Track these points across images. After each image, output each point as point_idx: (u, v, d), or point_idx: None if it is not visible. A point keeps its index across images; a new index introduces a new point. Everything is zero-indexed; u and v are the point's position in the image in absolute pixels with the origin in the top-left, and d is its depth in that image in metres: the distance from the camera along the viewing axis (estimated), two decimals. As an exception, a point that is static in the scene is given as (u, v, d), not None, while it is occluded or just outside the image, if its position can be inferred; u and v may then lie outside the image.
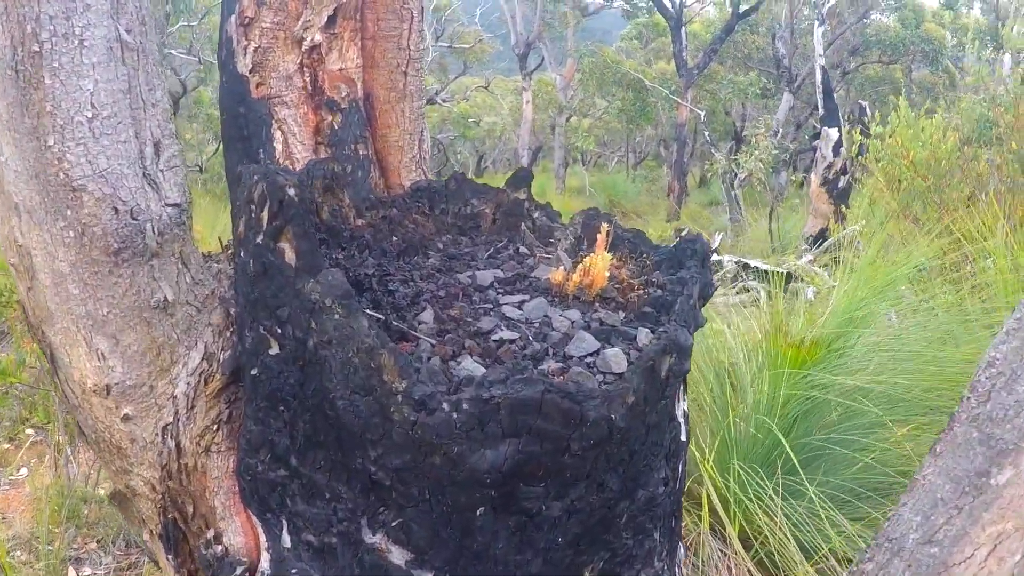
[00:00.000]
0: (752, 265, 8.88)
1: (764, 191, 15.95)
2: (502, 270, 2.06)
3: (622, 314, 1.86)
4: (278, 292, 1.61)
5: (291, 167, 2.24)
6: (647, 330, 1.75)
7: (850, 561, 2.98)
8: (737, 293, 8.00)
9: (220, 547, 2.09)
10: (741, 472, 3.30)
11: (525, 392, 1.42)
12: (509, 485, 1.52)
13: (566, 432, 1.48)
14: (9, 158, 1.79)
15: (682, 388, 1.97)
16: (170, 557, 2.20)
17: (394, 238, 2.11)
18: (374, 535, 1.67)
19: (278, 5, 2.27)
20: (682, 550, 2.16)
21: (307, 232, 1.54)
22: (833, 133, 11.86)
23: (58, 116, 1.76)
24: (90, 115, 1.79)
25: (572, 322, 1.80)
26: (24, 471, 4.75)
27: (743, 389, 3.88)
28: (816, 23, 14.39)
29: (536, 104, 24.78)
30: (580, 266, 1.89)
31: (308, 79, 2.35)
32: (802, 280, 7.85)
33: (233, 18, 2.30)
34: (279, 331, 1.66)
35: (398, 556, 1.65)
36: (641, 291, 1.91)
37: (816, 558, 3.00)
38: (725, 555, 3.22)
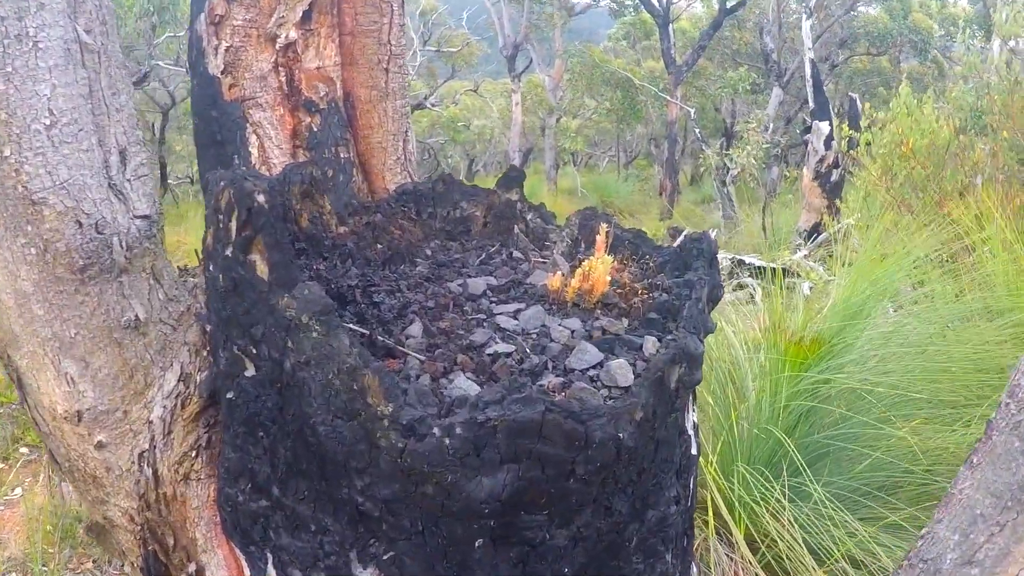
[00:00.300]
0: (747, 262, 8.78)
1: (756, 187, 15.89)
2: (495, 277, 1.92)
3: (625, 321, 1.73)
4: (251, 309, 1.47)
5: (268, 173, 2.10)
6: (653, 338, 1.62)
7: (861, 564, 2.87)
8: (732, 290, 7.90)
9: (202, 582, 1.96)
10: (746, 474, 3.18)
11: (524, 413, 1.29)
12: (509, 514, 1.38)
13: (570, 455, 1.34)
14: (-38, 171, 1.67)
15: (691, 398, 1.84)
16: (151, 591, 2.07)
17: (379, 246, 1.97)
18: (364, 569, 1.53)
19: (250, 1, 2.14)
20: (695, 570, 2.03)
21: (280, 242, 1.41)
22: (824, 127, 11.80)
23: (13, 124, 1.63)
24: (48, 122, 1.67)
25: (572, 332, 1.67)
26: (18, 491, 4.64)
27: (744, 389, 3.77)
28: (804, 16, 14.31)
29: (525, 106, 24.68)
30: (579, 270, 1.76)
31: (284, 79, 2.21)
32: (797, 275, 7.77)
33: (203, 16, 2.17)
34: (254, 351, 1.53)
35: (390, 593, 1.51)
36: (645, 296, 1.77)
37: (828, 563, 2.89)
38: (732, 560, 3.11)
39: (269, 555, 1.71)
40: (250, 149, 2.18)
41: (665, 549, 1.75)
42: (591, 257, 1.79)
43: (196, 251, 2.30)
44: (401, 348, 1.58)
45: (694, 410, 1.88)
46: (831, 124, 11.66)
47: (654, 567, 1.71)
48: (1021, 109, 7.25)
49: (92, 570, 3.87)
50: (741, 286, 8.15)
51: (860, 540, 2.88)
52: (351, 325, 1.65)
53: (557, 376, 1.52)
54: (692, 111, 18.56)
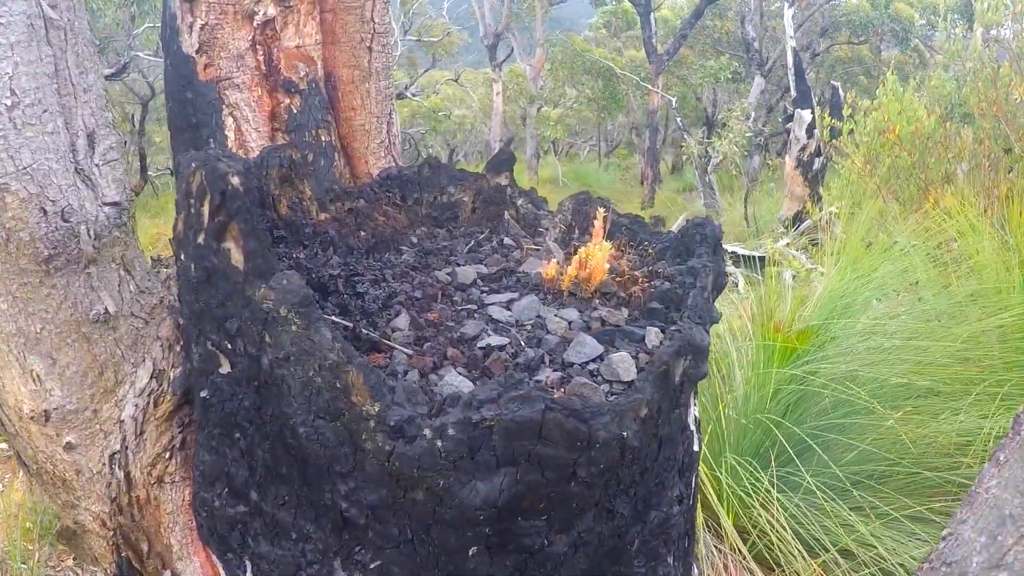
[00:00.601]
0: (729, 250, 8.72)
1: (738, 175, 15.90)
2: (485, 265, 1.82)
3: (625, 311, 1.63)
4: (225, 301, 1.36)
5: (245, 156, 1.99)
6: (656, 329, 1.52)
7: (851, 554, 2.84)
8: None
9: (178, 590, 1.86)
10: (735, 464, 3.17)
11: (522, 412, 1.19)
12: (506, 520, 1.28)
13: (572, 457, 1.24)
14: (-83, 156, 1.56)
15: (693, 392, 1.74)
16: (125, 600, 1.97)
17: (362, 233, 1.87)
18: (349, 578, 1.43)
19: (224, -25, 2.02)
20: (696, 571, 1.93)
21: (255, 229, 1.30)
22: (806, 115, 11.80)
23: (-29, 105, 1.53)
24: (9, 103, 1.57)
25: (569, 323, 1.56)
26: (-2, 486, 4.54)
27: (731, 378, 3.75)
28: (786, 5, 14.22)
29: (506, 95, 24.62)
30: (576, 257, 1.65)
31: (262, 58, 2.10)
32: (780, 264, 7.74)
33: (176, -8, 2.05)
34: (229, 347, 1.42)
35: (378, 604, 1.41)
36: (645, 284, 1.67)
37: (821, 554, 2.87)
38: (721, 551, 3.05)
39: (248, 563, 1.60)
40: (226, 132, 2.06)
41: (667, 551, 1.66)
42: (587, 243, 1.69)
43: (170, 240, 2.19)
44: (387, 342, 1.48)
45: (695, 404, 1.78)
46: (813, 112, 11.66)
47: (655, 570, 1.61)
48: (1004, 97, 7.25)
49: (72, 567, 3.79)
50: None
51: (850, 530, 2.85)
52: (333, 317, 1.55)
53: (555, 371, 1.42)
54: (673, 100, 18.51)
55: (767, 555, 2.98)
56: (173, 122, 2.16)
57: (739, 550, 2.98)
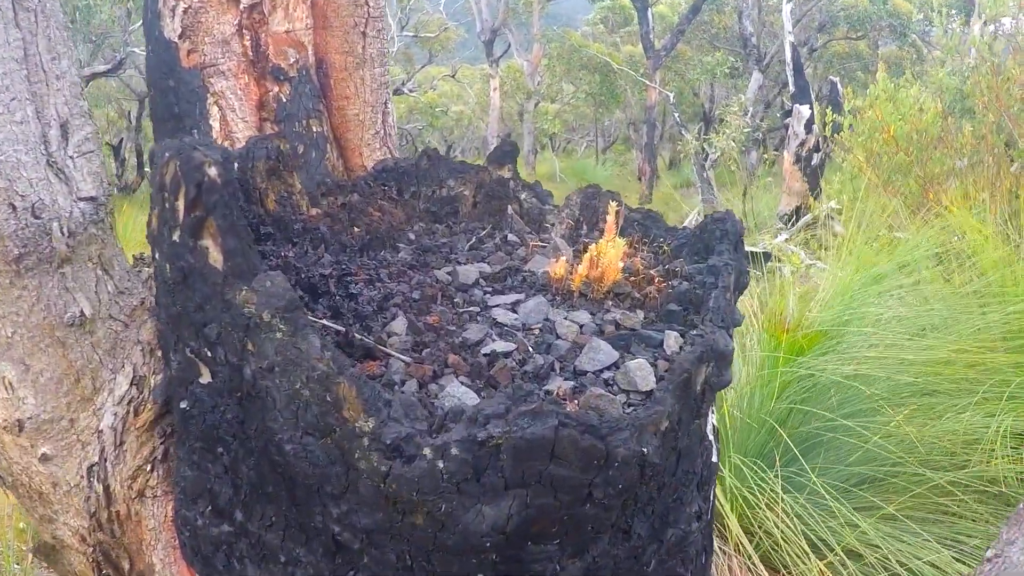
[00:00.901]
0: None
1: (736, 171, 15.86)
2: (488, 263, 1.70)
3: (641, 314, 1.51)
4: (203, 304, 1.24)
5: (231, 148, 1.87)
6: (675, 333, 1.39)
7: (857, 555, 2.79)
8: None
9: (160, 613, 1.74)
10: (741, 464, 3.11)
11: (533, 429, 1.06)
12: (514, 547, 1.15)
13: (588, 477, 1.12)
14: None
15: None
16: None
17: (356, 229, 1.74)
18: (342, 606, 1.30)
19: (209, -45, 1.90)
20: (713, 589, 1.82)
21: (235, 225, 1.17)
22: (805, 110, 11.73)
23: (-67, 92, 1.43)
24: (-28, 90, 1.45)
25: (581, 326, 1.44)
26: (-11, 488, 4.43)
27: (736, 376, 3.60)
28: (784, 0, 14.12)
29: (504, 91, 24.54)
30: (586, 255, 1.53)
31: (249, 43, 1.97)
32: (779, 260, 7.67)
33: (157, -28, 1.93)
34: (209, 354, 1.29)
35: (373, 635, 1.28)
36: (662, 284, 1.55)
37: (827, 555, 2.80)
38: (725, 553, 2.98)
39: (233, 587, 1.48)
40: (211, 122, 1.94)
41: (684, 570, 1.53)
42: (597, 240, 1.57)
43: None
44: (382, 348, 1.35)
45: (713, 412, 1.67)
46: (811, 108, 11.59)
47: (673, 593, 1.49)
48: (1007, 91, 7.19)
49: (67, 569, 3.69)
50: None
51: (856, 530, 2.80)
52: (324, 321, 1.42)
53: (566, 380, 1.29)
54: (671, 96, 18.40)
55: (773, 556, 2.93)
56: (155, 112, 2.04)
57: (744, 550, 2.91)
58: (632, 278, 1.57)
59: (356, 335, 1.37)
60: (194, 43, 1.94)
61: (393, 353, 1.34)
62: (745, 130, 15.09)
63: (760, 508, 2.93)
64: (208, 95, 1.95)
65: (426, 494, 1.08)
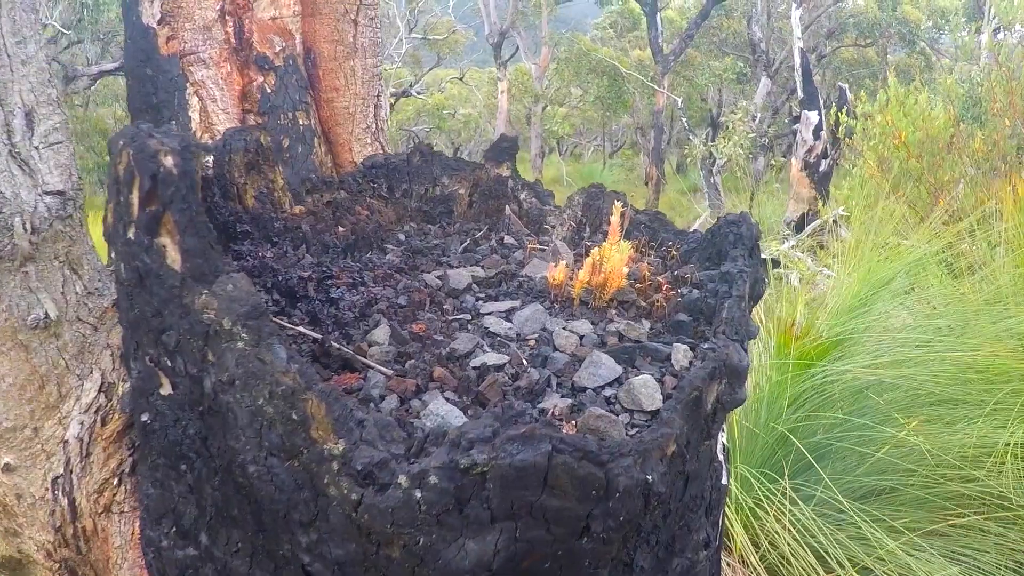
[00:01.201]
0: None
1: (743, 177, 15.82)
2: (482, 267, 1.57)
3: (647, 324, 1.38)
4: (161, 309, 1.11)
5: (211, 141, 1.75)
6: (684, 346, 1.27)
7: (867, 570, 2.72)
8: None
9: (125, 637, 1.63)
10: (747, 475, 3.06)
11: (524, 455, 0.94)
12: (502, 584, 1.03)
13: (585, 508, 0.99)
14: None
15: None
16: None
17: (340, 228, 1.62)
18: (314, 640, 1.18)
19: (189, -65, 1.78)
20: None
21: (195, 221, 1.05)
22: (813, 116, 11.61)
23: None
24: (-72, 75, 1.34)
25: (580, 337, 1.31)
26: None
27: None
28: (793, 5, 14.01)
29: (511, 94, 24.47)
30: (588, 260, 1.40)
31: (232, 30, 1.85)
32: (786, 266, 7.58)
33: (134, -46, 1.81)
34: (168, 364, 1.17)
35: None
36: (670, 292, 1.42)
37: (836, 568, 2.71)
38: (730, 566, 2.90)
39: (198, 615, 1.36)
40: (190, 113, 1.82)
41: (691, 603, 1.41)
42: (600, 243, 1.44)
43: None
44: (362, 358, 1.23)
45: (724, 429, 1.54)
46: (820, 114, 11.50)
47: (678, 628, 1.37)
48: (1022, 95, 7.13)
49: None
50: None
51: (862, 543, 2.75)
52: (301, 328, 1.30)
53: (564, 397, 1.17)
54: (679, 100, 18.31)
55: (779, 569, 2.85)
56: (132, 103, 1.92)
57: (750, 562, 2.86)
58: (638, 285, 1.45)
59: (334, 343, 1.24)
60: (174, 29, 1.83)
61: (373, 365, 1.21)
62: (752, 136, 15.04)
63: (768, 519, 2.85)
64: (188, 84, 1.83)
65: (401, 526, 0.96)
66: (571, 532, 1.01)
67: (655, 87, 19.32)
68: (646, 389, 1.15)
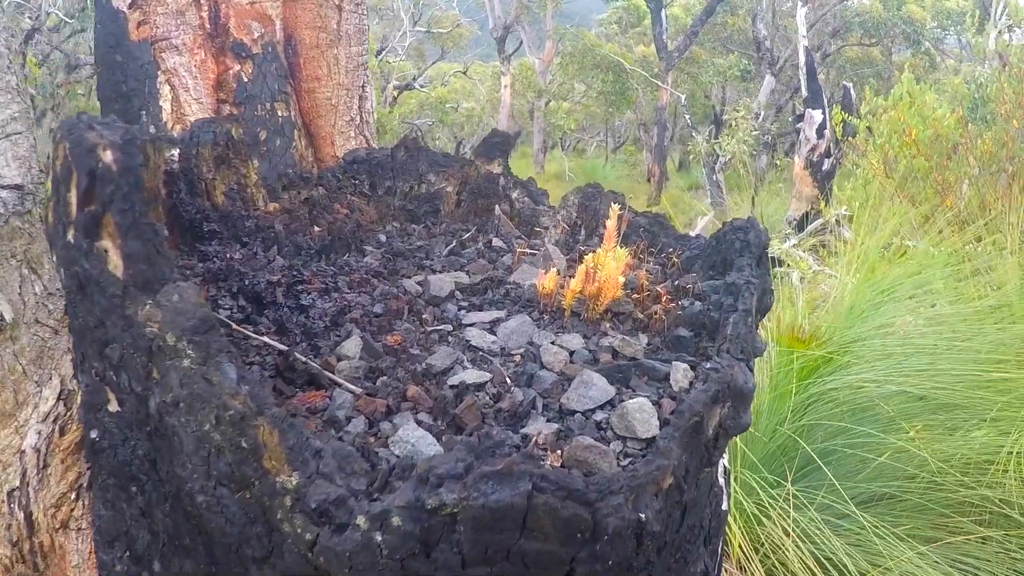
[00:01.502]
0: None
1: (746, 174, 15.79)
2: (467, 273, 1.45)
3: (644, 339, 1.26)
4: (103, 319, 1.00)
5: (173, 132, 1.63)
6: (685, 365, 1.15)
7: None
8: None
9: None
10: (749, 479, 3.03)
11: (500, 495, 0.82)
12: (475, 635, 0.92)
13: (569, 552, 0.88)
14: None
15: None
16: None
17: (316, 228, 1.50)
18: None
19: (160, -89, 1.66)
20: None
21: (138, 223, 0.94)
22: (817, 115, 11.53)
23: None
24: None
25: (571, 353, 1.20)
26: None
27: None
28: (799, 3, 13.89)
29: (515, 89, 24.39)
30: (581, 267, 1.29)
31: (207, 15, 1.74)
32: (787, 265, 7.50)
33: (102, -68, 1.69)
34: (114, 379, 1.05)
35: None
36: (670, 304, 1.31)
37: (835, 575, 2.72)
38: (728, 572, 2.85)
39: (152, 647, 1.24)
40: (161, 103, 1.71)
41: (687, 640, 1.30)
42: (597, 248, 1.33)
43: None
44: (329, 374, 1.12)
45: (727, 452, 1.43)
46: (824, 112, 11.43)
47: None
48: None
49: None
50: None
51: (861, 548, 2.74)
52: (266, 338, 1.19)
53: (549, 421, 1.05)
54: (682, 97, 18.22)
55: (777, 573, 2.84)
56: (102, 92, 1.81)
57: (747, 569, 2.84)
58: (635, 295, 1.33)
59: (299, 356, 1.13)
60: (145, 13, 1.71)
61: (340, 382, 1.10)
62: (755, 133, 14.98)
63: (769, 523, 2.82)
64: (159, 72, 1.72)
65: (361, 571, 0.84)
66: (553, 578, 0.90)
67: (659, 83, 19.24)
68: (641, 414, 1.04)
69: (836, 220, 8.78)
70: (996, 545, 2.80)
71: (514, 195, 1.73)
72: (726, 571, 2.86)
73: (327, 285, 1.34)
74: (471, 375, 1.11)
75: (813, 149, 11.44)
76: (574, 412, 1.07)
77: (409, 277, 1.43)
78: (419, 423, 1.02)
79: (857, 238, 5.07)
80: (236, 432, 0.89)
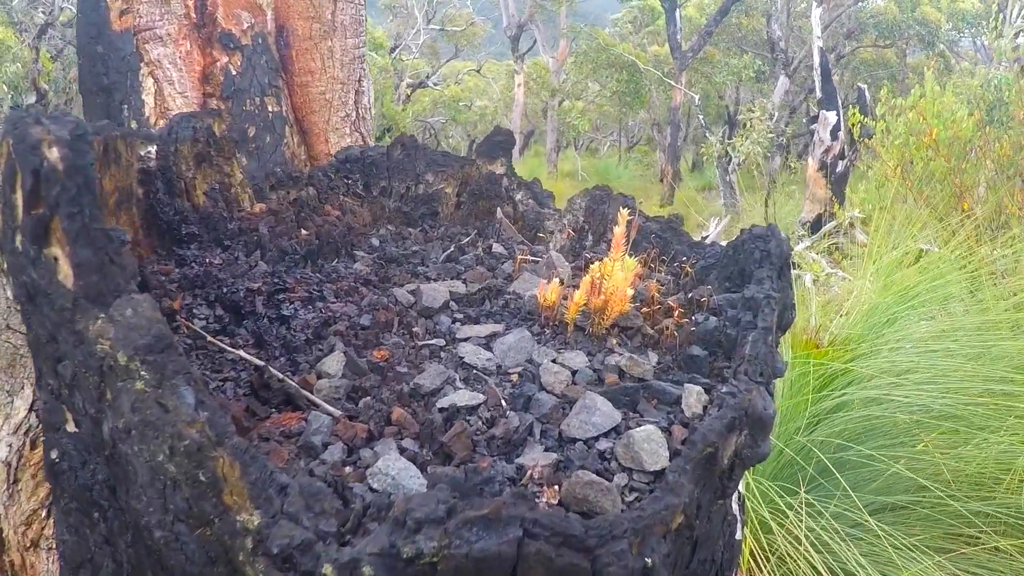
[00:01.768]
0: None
1: (759, 175, 15.73)
2: (464, 281, 1.35)
3: (654, 357, 1.16)
4: (55, 334, 0.90)
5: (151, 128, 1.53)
6: (698, 388, 1.05)
7: None
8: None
9: None
10: (760, 487, 2.99)
11: (486, 543, 0.72)
12: None
13: (565, 605, 0.78)
14: None
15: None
16: None
17: (303, 231, 1.40)
18: None
19: None
20: None
21: (89, 228, 0.84)
22: (831, 117, 11.43)
23: None
24: None
25: (573, 373, 1.10)
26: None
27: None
28: (814, 4, 13.76)
29: (528, 87, 24.35)
30: (586, 278, 1.18)
31: (193, 3, 1.64)
32: (800, 267, 7.43)
33: (83, -85, 1.59)
34: (69, 398, 0.96)
35: None
36: (682, 318, 1.21)
37: None
38: None
39: None
40: (144, 97, 1.61)
41: None
42: (605, 255, 1.23)
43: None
44: (307, 393, 1.02)
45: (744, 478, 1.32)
46: (838, 114, 11.33)
47: None
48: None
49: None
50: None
51: (871, 558, 2.70)
52: (241, 352, 1.09)
53: (548, 450, 0.95)
54: (696, 97, 18.12)
55: None
56: (84, 84, 1.71)
57: None
58: (645, 308, 1.23)
59: (274, 373, 1.03)
60: (128, 1, 1.62)
61: (319, 402, 1.00)
62: (770, 135, 14.91)
63: (782, 532, 2.78)
64: (142, 64, 1.62)
65: (330, 626, 0.74)
66: (547, 632, 0.79)
67: (672, 83, 19.16)
68: (649, 444, 0.93)
69: (849, 223, 8.69)
70: (1009, 557, 2.75)
71: (517, 197, 1.62)
72: (735, 579, 2.77)
73: (311, 294, 1.25)
74: (463, 397, 1.01)
75: (827, 151, 11.36)
76: (575, 440, 0.97)
77: (401, 285, 1.32)
78: (403, 451, 0.92)
79: (873, 242, 5.01)
80: (192, 464, 0.79)
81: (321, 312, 1.20)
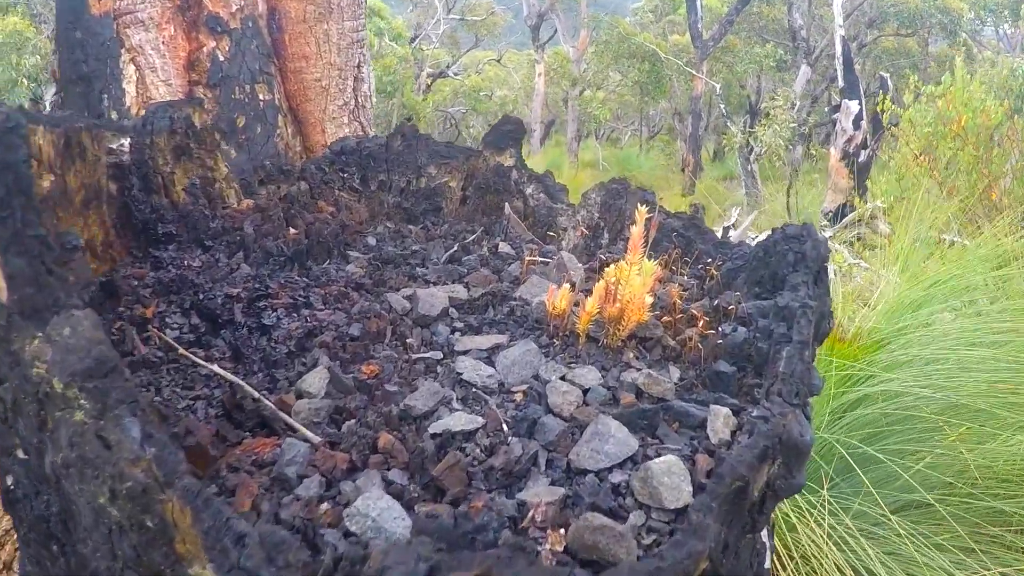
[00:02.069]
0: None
1: (781, 165, 15.63)
2: (466, 285, 1.24)
3: (676, 372, 1.04)
4: (-9, 353, 0.79)
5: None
6: (726, 410, 0.92)
7: None
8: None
9: None
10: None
11: (475, 609, 0.61)
12: None
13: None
14: None
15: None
16: None
17: (292, 230, 1.29)
18: None
19: None
20: None
21: (22, 234, 0.73)
22: (853, 106, 11.30)
23: None
24: None
25: (584, 391, 0.98)
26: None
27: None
28: (836, -7, 13.60)
29: (549, 77, 24.26)
30: (599, 284, 1.06)
31: (179, -15, 1.53)
32: None
33: None
34: (14, 423, 0.85)
35: None
36: (708, 328, 1.08)
37: None
38: None
39: None
40: (125, 85, 1.50)
41: None
42: (621, 257, 1.11)
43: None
44: (284, 416, 0.90)
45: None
46: (860, 103, 11.20)
47: None
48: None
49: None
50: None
51: (894, 557, 2.58)
52: (215, 366, 0.98)
53: (554, 484, 0.83)
54: (717, 86, 17.98)
55: None
56: (63, 72, 1.60)
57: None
58: (665, 317, 1.11)
59: (249, 391, 0.92)
60: (109, -18, 1.50)
61: (297, 427, 0.89)
62: (792, 125, 14.78)
63: (807, 531, 2.64)
64: (123, 50, 1.51)
65: None
66: None
67: (694, 72, 19.01)
68: (670, 478, 0.81)
69: (871, 213, 8.57)
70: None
71: (528, 191, 1.50)
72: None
73: (296, 300, 1.13)
74: (459, 420, 0.90)
75: (849, 140, 11.25)
76: (585, 472, 0.85)
77: (397, 290, 1.21)
78: (388, 484, 0.81)
79: (898, 233, 4.91)
80: (137, 508, 0.68)
81: (306, 321, 1.09)
